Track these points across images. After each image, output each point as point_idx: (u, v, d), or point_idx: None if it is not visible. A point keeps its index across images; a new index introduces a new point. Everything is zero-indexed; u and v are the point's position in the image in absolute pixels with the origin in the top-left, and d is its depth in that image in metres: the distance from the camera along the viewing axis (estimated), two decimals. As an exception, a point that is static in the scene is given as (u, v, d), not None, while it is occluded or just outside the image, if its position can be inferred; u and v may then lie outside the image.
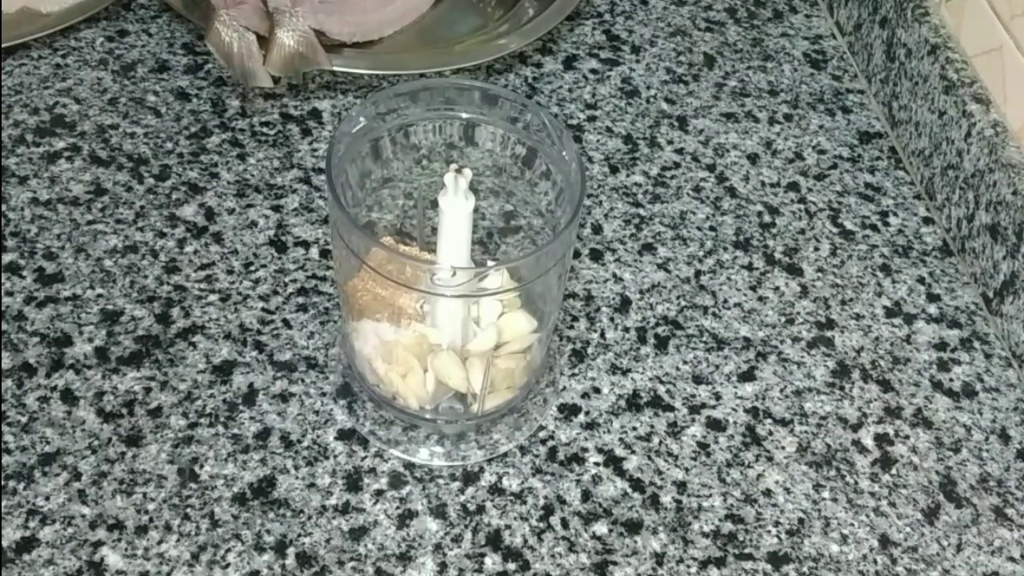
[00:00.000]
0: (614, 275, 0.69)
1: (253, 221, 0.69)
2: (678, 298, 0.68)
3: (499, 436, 0.60)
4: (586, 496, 0.58)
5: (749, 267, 0.71)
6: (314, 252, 0.68)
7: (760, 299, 0.69)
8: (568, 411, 0.62)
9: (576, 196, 0.54)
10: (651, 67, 0.83)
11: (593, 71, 0.82)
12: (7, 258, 0.65)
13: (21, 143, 0.71)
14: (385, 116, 0.58)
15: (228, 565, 0.54)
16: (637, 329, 0.66)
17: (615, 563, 0.56)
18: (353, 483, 0.58)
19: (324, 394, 0.61)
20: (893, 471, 0.61)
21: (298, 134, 0.74)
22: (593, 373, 0.64)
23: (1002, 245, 0.68)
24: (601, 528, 0.57)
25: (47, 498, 0.55)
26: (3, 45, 0.75)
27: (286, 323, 0.64)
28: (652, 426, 0.62)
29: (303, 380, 0.61)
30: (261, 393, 0.61)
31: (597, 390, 0.63)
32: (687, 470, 0.60)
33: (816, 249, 0.72)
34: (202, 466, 0.57)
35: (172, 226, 0.68)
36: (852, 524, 0.59)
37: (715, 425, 0.62)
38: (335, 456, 0.59)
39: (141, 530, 0.55)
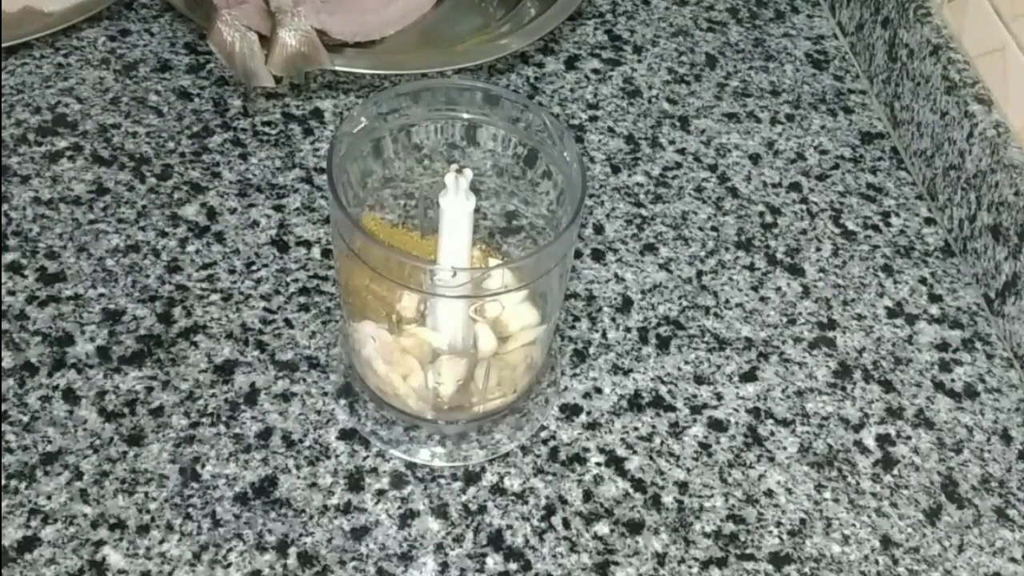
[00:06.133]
0: (616, 275, 0.69)
1: (255, 221, 0.69)
2: (680, 298, 0.68)
3: (500, 436, 0.60)
4: (587, 496, 0.58)
5: (751, 267, 0.71)
6: (316, 252, 0.68)
7: (762, 299, 0.69)
8: (569, 411, 0.62)
9: (577, 196, 0.54)
10: (653, 67, 0.83)
11: (595, 71, 0.82)
12: (9, 257, 0.65)
13: (23, 142, 0.71)
14: (387, 116, 0.58)
15: (230, 565, 0.54)
16: (639, 329, 0.66)
17: (616, 563, 0.56)
18: (355, 483, 0.58)
19: (326, 394, 0.61)
20: (895, 472, 0.61)
21: (300, 134, 0.74)
22: (595, 373, 0.64)
23: (1004, 246, 0.68)
24: (603, 528, 0.57)
25: (49, 497, 0.55)
26: (5, 44, 0.75)
27: (288, 323, 0.64)
28: (654, 426, 0.62)
29: (305, 380, 0.61)
30: (263, 393, 0.61)
31: (599, 390, 0.63)
32: (689, 470, 0.60)
33: (818, 249, 0.72)
34: (204, 466, 0.57)
35: (174, 225, 0.68)
36: (854, 525, 0.59)
37: (716, 425, 0.62)
38: (336, 456, 0.59)
39: (143, 529, 0.55)
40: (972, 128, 0.71)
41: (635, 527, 0.57)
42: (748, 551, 0.57)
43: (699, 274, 0.70)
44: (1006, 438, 0.64)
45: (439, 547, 0.56)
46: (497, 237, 0.63)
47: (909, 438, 0.63)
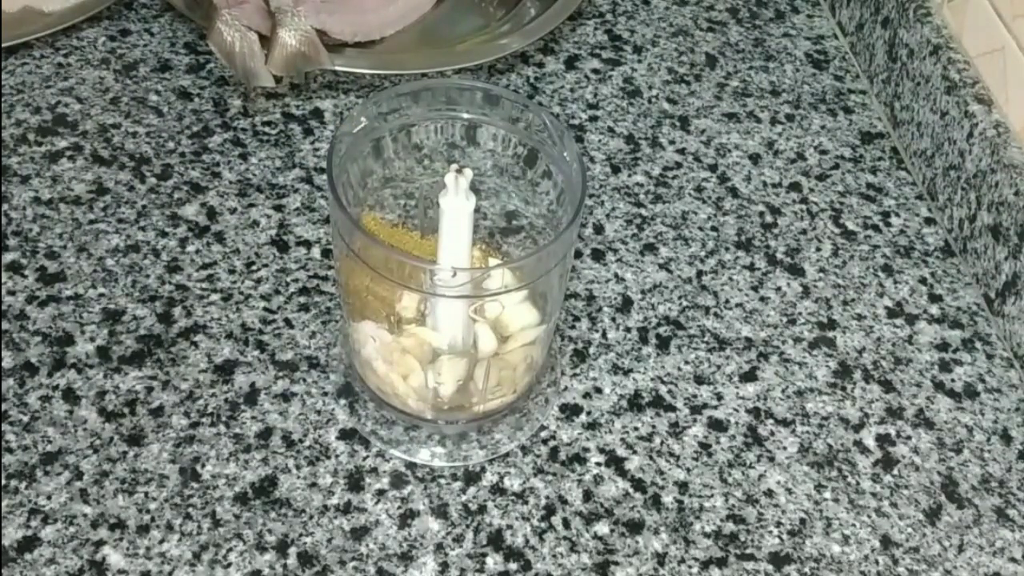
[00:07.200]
0: (616, 275, 0.69)
1: (255, 220, 0.69)
2: (680, 298, 0.68)
3: (500, 436, 0.60)
4: (587, 496, 0.58)
5: (751, 267, 0.71)
6: (316, 252, 0.68)
7: (762, 299, 0.69)
8: (570, 411, 0.62)
9: (577, 196, 0.54)
10: (653, 67, 0.83)
11: (595, 71, 0.82)
12: (9, 257, 0.65)
13: (23, 142, 0.71)
14: (387, 116, 0.58)
15: (230, 565, 0.54)
16: (639, 329, 0.66)
17: (616, 563, 0.56)
18: (355, 483, 0.58)
19: (326, 394, 0.61)
20: (895, 472, 0.61)
21: (300, 134, 0.74)
22: (595, 373, 0.64)
23: (1004, 246, 0.68)
24: (603, 528, 0.57)
25: (49, 497, 0.55)
26: (5, 44, 0.75)
27: (288, 323, 0.64)
28: (654, 426, 0.62)
29: (305, 380, 0.61)
30: (263, 393, 0.61)
31: (599, 390, 0.63)
32: (688, 470, 0.60)
33: (818, 249, 0.72)
34: (204, 465, 0.57)
35: (174, 225, 0.68)
36: (854, 524, 0.59)
37: (717, 425, 0.62)
38: (336, 456, 0.59)
39: (143, 529, 0.55)
40: (972, 128, 0.71)
41: (635, 527, 0.58)
42: (748, 551, 0.57)
43: (699, 274, 0.70)
44: (1006, 438, 0.64)
45: (439, 547, 0.56)
46: (497, 237, 0.63)
47: (909, 438, 0.63)
